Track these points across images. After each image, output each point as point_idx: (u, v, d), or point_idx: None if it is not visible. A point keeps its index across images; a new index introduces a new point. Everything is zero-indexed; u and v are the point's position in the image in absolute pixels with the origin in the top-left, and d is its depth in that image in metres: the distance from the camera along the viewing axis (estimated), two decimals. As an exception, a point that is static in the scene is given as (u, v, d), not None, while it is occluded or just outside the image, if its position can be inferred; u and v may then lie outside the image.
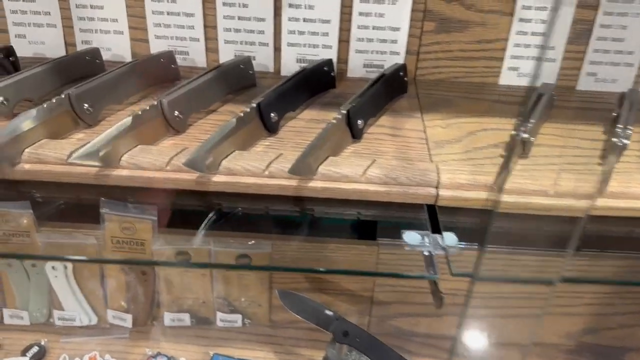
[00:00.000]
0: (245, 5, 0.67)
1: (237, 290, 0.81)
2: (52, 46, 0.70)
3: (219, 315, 0.82)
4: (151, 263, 0.79)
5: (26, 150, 0.52)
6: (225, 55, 0.70)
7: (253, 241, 0.76)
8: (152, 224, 0.70)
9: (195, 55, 0.70)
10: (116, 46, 0.70)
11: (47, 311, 0.81)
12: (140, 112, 0.53)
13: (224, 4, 0.67)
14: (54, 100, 0.54)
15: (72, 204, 0.72)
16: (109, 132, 0.51)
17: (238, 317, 0.82)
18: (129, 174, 0.52)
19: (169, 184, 0.52)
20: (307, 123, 0.61)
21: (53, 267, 0.78)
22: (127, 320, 0.81)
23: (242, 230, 0.74)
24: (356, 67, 0.70)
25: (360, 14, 0.66)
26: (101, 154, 0.49)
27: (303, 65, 0.70)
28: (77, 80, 0.63)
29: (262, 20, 0.68)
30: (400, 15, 0.66)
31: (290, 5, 0.66)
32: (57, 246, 0.75)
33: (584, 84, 0.70)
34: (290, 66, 0.70)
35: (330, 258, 0.76)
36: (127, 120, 0.52)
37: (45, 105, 0.53)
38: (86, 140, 0.54)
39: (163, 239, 0.73)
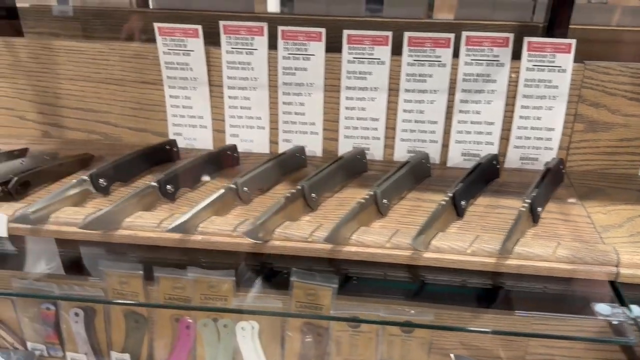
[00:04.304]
0: (421, 112, 0.82)
1: (399, 354, 0.90)
2: (259, 143, 0.87)
3: (380, 377, 0.91)
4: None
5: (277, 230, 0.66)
6: (400, 150, 0.84)
7: (413, 311, 0.86)
8: (332, 291, 0.82)
9: (374, 151, 0.85)
10: (311, 144, 0.86)
11: (231, 369, 0.93)
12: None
13: (404, 110, 0.82)
14: (288, 194, 0.69)
15: (266, 273, 0.86)
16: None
17: (400, 381, 0.91)
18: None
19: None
20: (485, 209, 0.73)
21: (242, 328, 0.90)
22: (302, 379, 0.92)
23: (411, 300, 0.85)
24: (513, 160, 0.82)
25: (521, 117, 0.80)
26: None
27: (467, 158, 0.83)
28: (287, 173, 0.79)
29: (435, 122, 0.82)
30: (555, 118, 0.80)
31: (461, 111, 0.81)
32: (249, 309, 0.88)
33: None
34: (455, 159, 0.83)
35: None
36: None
37: (283, 199, 0.68)
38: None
39: (340, 305, 0.85)
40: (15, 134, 0.91)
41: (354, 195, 0.76)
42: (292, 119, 0.85)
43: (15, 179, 0.72)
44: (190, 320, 0.92)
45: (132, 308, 0.91)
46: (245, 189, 0.72)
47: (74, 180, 0.71)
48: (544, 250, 0.62)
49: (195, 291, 0.88)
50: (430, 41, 0.78)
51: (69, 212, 0.69)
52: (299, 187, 0.70)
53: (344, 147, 0.85)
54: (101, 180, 0.72)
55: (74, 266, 0.91)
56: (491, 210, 0.72)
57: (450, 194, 0.68)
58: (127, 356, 0.95)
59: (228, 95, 0.85)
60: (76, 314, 0.91)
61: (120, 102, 0.88)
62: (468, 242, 0.64)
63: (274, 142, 0.87)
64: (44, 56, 0.86)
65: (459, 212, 0.70)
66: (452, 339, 0.89)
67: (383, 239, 0.65)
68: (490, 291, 0.82)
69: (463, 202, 0.69)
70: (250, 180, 0.73)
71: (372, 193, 0.69)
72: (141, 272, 0.86)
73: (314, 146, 0.86)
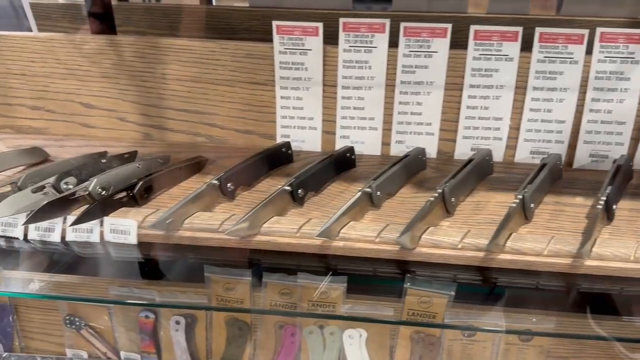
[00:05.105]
0: (549, 111, 0.78)
1: (514, 364, 0.87)
2: (370, 144, 0.84)
3: (496, 388, 0.88)
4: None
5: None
6: (522, 151, 0.81)
7: (535, 318, 0.82)
8: (448, 299, 0.78)
9: (494, 152, 0.81)
10: (426, 145, 0.82)
11: (335, 377, 0.90)
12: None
13: (531, 109, 0.79)
14: (431, 198, 0.66)
15: (379, 279, 0.83)
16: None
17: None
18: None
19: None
20: (630, 212, 0.68)
21: (350, 336, 0.87)
22: (412, 391, 0.88)
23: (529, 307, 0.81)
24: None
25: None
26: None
27: (595, 159, 0.80)
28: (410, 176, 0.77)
29: (563, 122, 0.79)
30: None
31: (591, 110, 0.78)
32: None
33: None
34: (583, 160, 0.80)
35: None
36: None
37: (428, 204, 0.65)
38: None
39: (456, 313, 0.81)
40: (115, 136, 0.89)
41: (487, 199, 0.73)
42: (408, 119, 0.82)
43: (141, 183, 0.69)
44: (295, 328, 0.89)
45: (236, 315, 0.88)
46: (379, 193, 0.69)
47: (204, 185, 0.68)
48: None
49: (303, 297, 0.85)
50: (563, 37, 0.74)
51: (203, 217, 0.66)
52: (439, 190, 0.67)
53: (462, 148, 0.82)
54: (229, 185, 0.69)
55: (178, 272, 0.89)
56: (638, 214, 0.69)
57: (604, 198, 0.65)
58: (226, 365, 0.92)
59: (341, 96, 0.82)
60: (177, 322, 0.88)
61: (229, 103, 0.85)
62: (631, 249, 0.60)
63: (385, 143, 0.84)
64: (151, 55, 0.83)
65: (609, 217, 0.66)
66: (570, 346, 0.86)
67: (541, 246, 0.61)
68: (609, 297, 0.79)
69: (614, 206, 0.66)
70: (382, 183, 0.70)
71: (520, 197, 0.66)
72: (249, 278, 0.83)
73: (429, 147, 0.82)
